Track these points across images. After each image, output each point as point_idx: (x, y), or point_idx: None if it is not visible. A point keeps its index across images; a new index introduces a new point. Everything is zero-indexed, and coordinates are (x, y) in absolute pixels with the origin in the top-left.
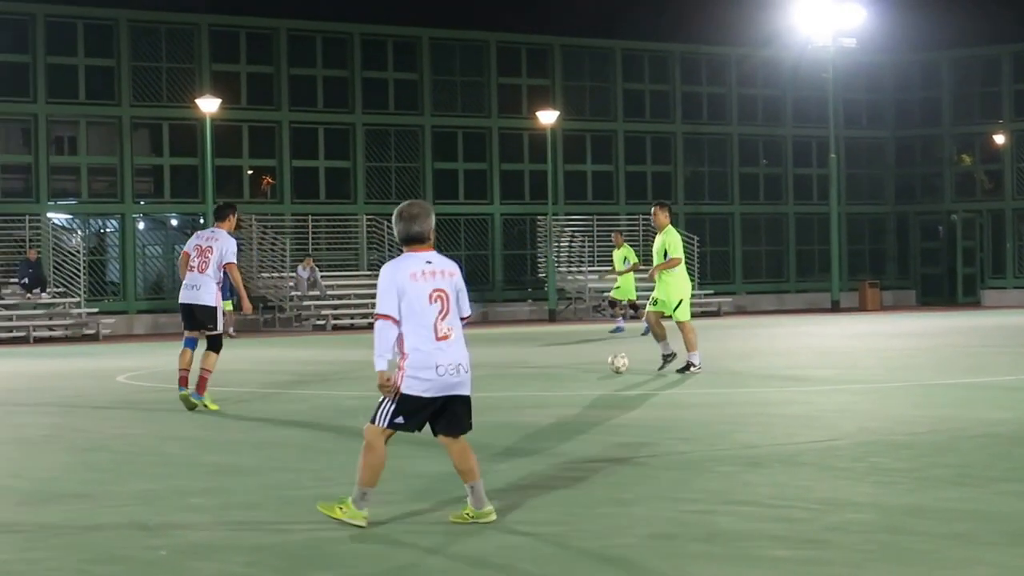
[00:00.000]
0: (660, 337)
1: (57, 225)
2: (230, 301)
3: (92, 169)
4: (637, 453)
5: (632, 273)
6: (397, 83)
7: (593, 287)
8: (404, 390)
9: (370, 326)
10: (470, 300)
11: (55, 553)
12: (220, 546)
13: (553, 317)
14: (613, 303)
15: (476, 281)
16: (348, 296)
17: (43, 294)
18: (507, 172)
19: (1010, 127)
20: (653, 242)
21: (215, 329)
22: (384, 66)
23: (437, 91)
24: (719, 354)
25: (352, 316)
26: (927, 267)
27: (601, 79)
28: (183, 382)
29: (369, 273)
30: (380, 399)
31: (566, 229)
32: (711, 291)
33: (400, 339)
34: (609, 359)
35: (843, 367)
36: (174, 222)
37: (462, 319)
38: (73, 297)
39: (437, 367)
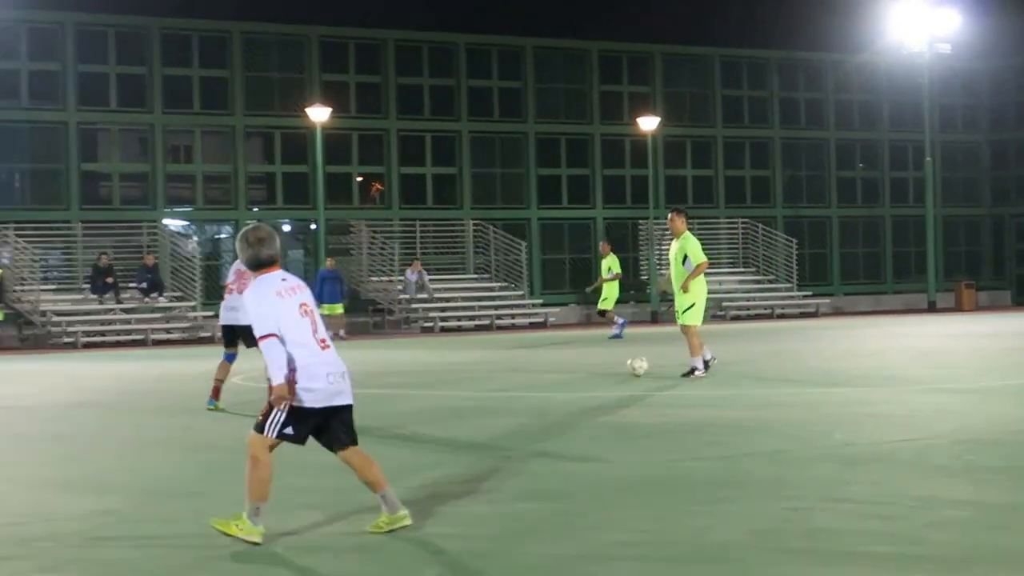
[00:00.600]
0: (695, 351)
1: (173, 231)
2: (341, 304)
3: (207, 177)
4: (735, 452)
5: (616, 282)
6: (501, 91)
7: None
8: (296, 403)
9: (477, 328)
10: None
11: (173, 550)
12: (332, 544)
13: (655, 319)
14: (602, 313)
15: (579, 283)
16: (455, 299)
17: (160, 298)
18: (609, 177)
19: None
20: (677, 247)
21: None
22: (489, 75)
23: (540, 99)
24: (815, 354)
25: (459, 318)
26: (1023, 268)
27: (700, 86)
28: (215, 393)
29: (475, 276)
30: (271, 412)
31: (667, 233)
32: (809, 292)
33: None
34: (628, 362)
35: (939, 367)
36: (286, 228)
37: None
38: (189, 301)
39: (327, 375)
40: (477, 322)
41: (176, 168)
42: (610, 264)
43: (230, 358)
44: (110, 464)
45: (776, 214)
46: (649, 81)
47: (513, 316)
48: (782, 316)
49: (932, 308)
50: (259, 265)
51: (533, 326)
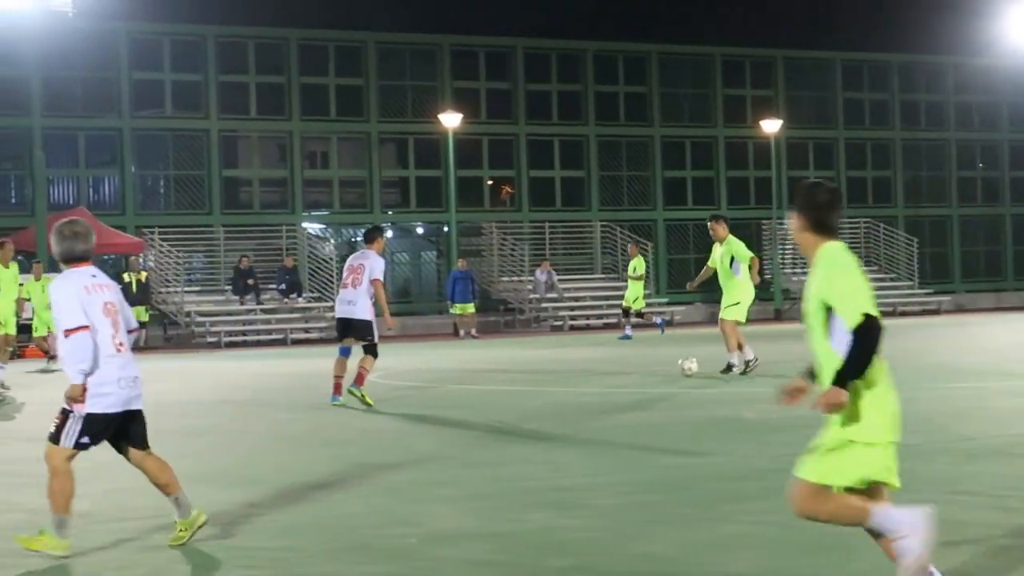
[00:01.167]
0: (740, 346)
1: (311, 234)
2: (472, 304)
3: (343, 181)
4: None
5: (642, 282)
6: (627, 96)
7: None
8: (90, 409)
9: (605, 326)
10: None
11: (311, 541)
12: (464, 534)
13: (779, 316)
14: (628, 312)
15: (704, 284)
16: (584, 298)
17: (299, 299)
18: (733, 179)
19: None
20: (746, 250)
21: (372, 340)
22: (615, 80)
23: (665, 103)
24: (936, 351)
25: (588, 317)
26: None
27: (822, 89)
28: (337, 390)
29: (603, 276)
30: (66, 420)
31: (790, 232)
32: (930, 290)
33: None
34: (680, 361)
35: None
36: (420, 230)
37: (130, 331)
38: (327, 301)
39: (118, 380)
40: (605, 320)
41: (313, 173)
42: (635, 265)
43: (345, 352)
44: (249, 458)
45: (897, 214)
46: (772, 85)
47: (640, 314)
48: (904, 314)
49: None
50: (72, 259)
51: (658, 324)
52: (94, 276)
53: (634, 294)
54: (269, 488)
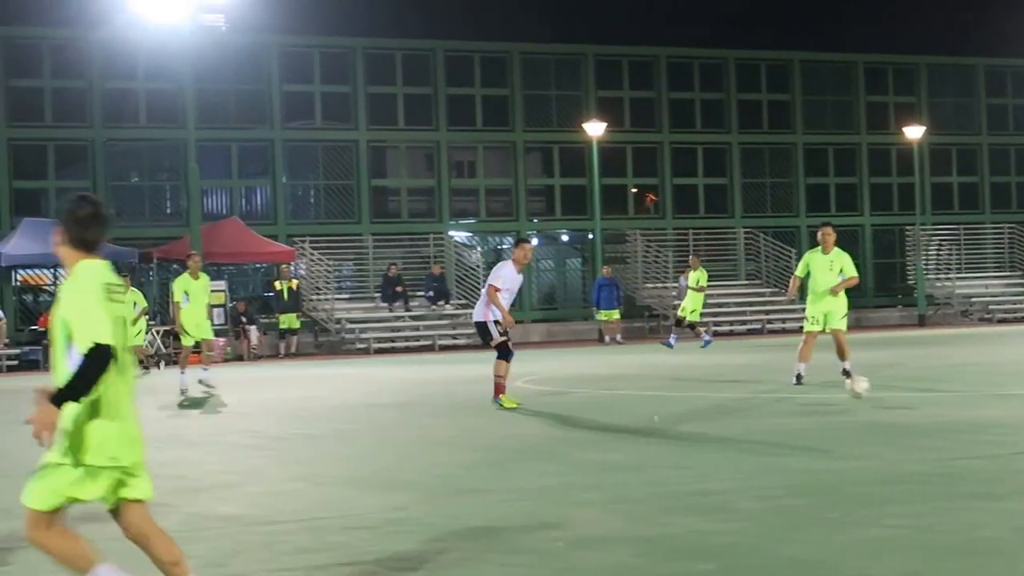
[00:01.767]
0: (805, 358)
1: (458, 242)
2: (617, 310)
3: (489, 190)
4: (1005, 451)
5: (702, 294)
6: (770, 104)
7: (961, 293)
8: None
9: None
10: None
11: (459, 543)
12: (610, 537)
13: (922, 322)
14: (681, 322)
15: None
16: (727, 304)
17: (447, 306)
18: (876, 185)
19: None
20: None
21: (487, 342)
22: (758, 88)
23: (808, 110)
24: None
25: (731, 323)
26: None
27: (965, 95)
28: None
29: (746, 282)
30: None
31: (933, 238)
32: None
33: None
34: (847, 383)
35: None
36: (565, 238)
37: None
38: (473, 308)
39: None
40: (749, 326)
41: (460, 182)
42: (699, 276)
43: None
44: (398, 462)
45: None
46: (915, 91)
47: (783, 320)
48: None
49: None
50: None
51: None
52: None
53: (692, 306)
54: (419, 491)
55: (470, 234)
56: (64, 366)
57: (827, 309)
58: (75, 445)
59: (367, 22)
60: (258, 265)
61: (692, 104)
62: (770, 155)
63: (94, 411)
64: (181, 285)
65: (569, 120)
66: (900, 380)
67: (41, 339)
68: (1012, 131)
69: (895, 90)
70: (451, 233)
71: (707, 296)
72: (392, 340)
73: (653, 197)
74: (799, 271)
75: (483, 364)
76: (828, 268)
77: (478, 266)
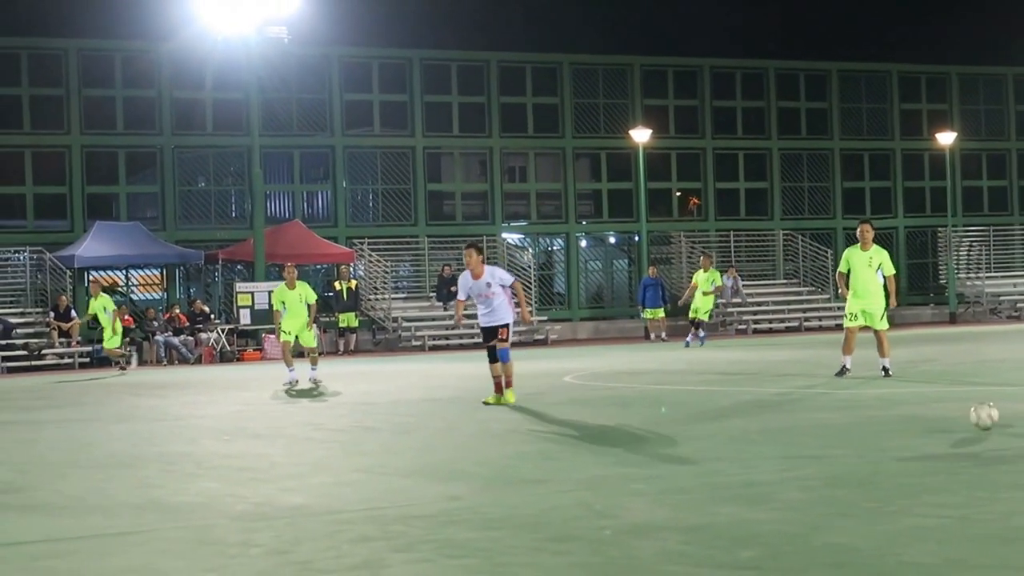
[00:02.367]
0: (849, 351)
1: (510, 244)
2: (662, 308)
3: (540, 194)
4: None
5: (713, 296)
6: (808, 111)
7: (990, 291)
8: None
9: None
10: None
11: (514, 532)
12: (658, 526)
13: (953, 319)
14: (693, 322)
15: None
16: (766, 303)
17: None
18: (909, 189)
19: None
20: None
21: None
22: (797, 96)
23: (844, 117)
24: None
25: (770, 321)
26: None
27: (995, 102)
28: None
29: (784, 282)
30: None
31: (964, 239)
32: None
33: None
34: (972, 411)
35: None
36: (612, 240)
37: None
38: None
39: None
40: (787, 324)
41: (512, 187)
42: (712, 277)
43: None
44: (456, 454)
45: None
46: (946, 99)
47: (820, 318)
48: None
49: None
50: None
51: (838, 328)
52: None
53: (705, 307)
54: (475, 482)
55: (522, 236)
56: None
57: (865, 307)
58: None
59: (424, 34)
60: (319, 266)
61: (734, 112)
62: (808, 160)
63: None
64: (278, 296)
65: (616, 127)
66: (934, 375)
67: None
68: None
69: (928, 98)
70: (504, 235)
71: (747, 295)
72: (447, 338)
73: (696, 200)
74: (842, 267)
75: (533, 360)
76: (867, 264)
77: (530, 267)
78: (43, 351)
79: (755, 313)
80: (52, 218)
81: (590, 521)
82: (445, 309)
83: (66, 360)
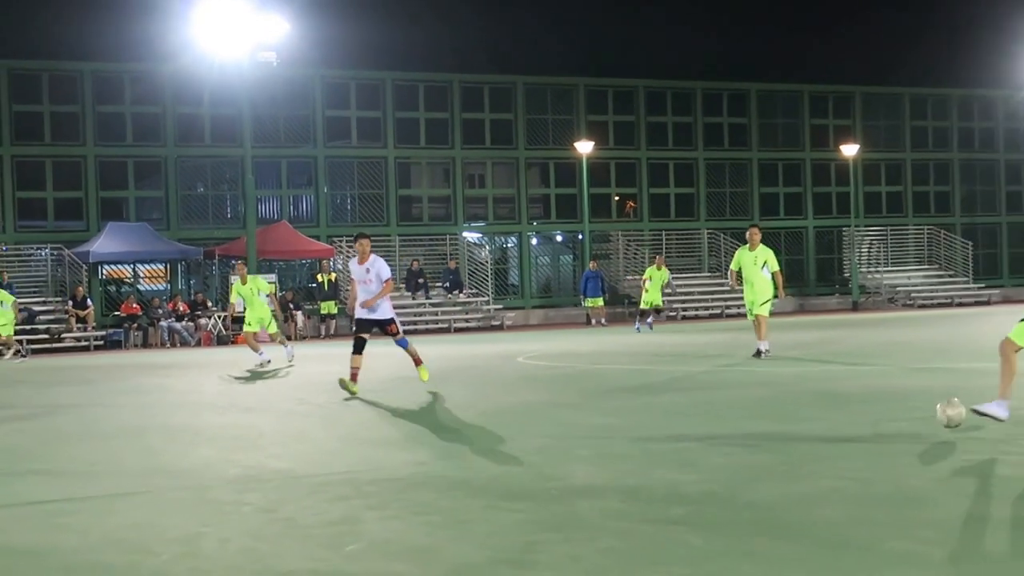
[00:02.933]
0: (763, 336)
1: (470, 242)
2: (602, 298)
3: (496, 199)
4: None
5: (660, 285)
6: (730, 126)
7: (888, 283)
8: None
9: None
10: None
11: (471, 492)
12: (599, 487)
13: (856, 307)
14: (643, 312)
15: (794, 280)
16: (693, 293)
17: (460, 294)
18: (817, 194)
19: None
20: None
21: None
22: (720, 112)
23: (762, 132)
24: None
25: (696, 308)
26: None
27: (893, 119)
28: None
29: (709, 274)
30: None
31: (865, 238)
32: (982, 285)
33: None
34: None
35: None
36: (558, 238)
37: None
38: (483, 296)
39: None
40: (711, 311)
41: (472, 192)
42: (663, 277)
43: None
44: (422, 425)
45: (955, 222)
46: (850, 116)
47: (739, 306)
48: (960, 304)
49: None
50: None
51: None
52: None
53: (655, 299)
54: (437, 450)
55: (480, 235)
56: None
57: (753, 297)
58: None
59: (395, 58)
60: (303, 261)
61: (665, 126)
62: (730, 169)
63: None
64: (235, 290)
65: (563, 140)
66: (839, 355)
67: (123, 323)
68: (931, 149)
69: (834, 115)
70: (464, 234)
71: (676, 286)
72: (415, 323)
73: (632, 204)
74: (733, 265)
75: (490, 343)
76: (754, 263)
77: (487, 262)
78: (62, 335)
79: (683, 302)
80: (70, 219)
81: (539, 483)
82: (414, 298)
83: (82, 343)
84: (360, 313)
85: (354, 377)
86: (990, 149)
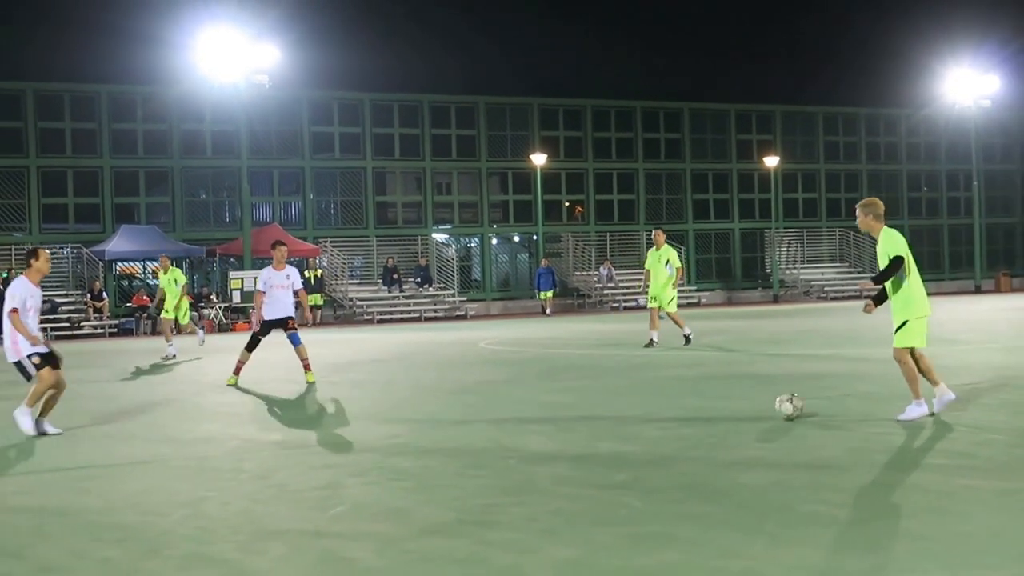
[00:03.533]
0: (655, 327)
1: (439, 242)
2: (552, 291)
3: (461, 204)
4: (837, 393)
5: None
6: (667, 140)
7: (804, 278)
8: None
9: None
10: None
11: (441, 461)
12: (551, 456)
13: (776, 299)
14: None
15: (723, 275)
16: (634, 287)
17: (430, 288)
18: (743, 200)
19: None
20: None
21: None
22: (658, 128)
23: (694, 145)
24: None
25: (637, 300)
26: None
27: (808, 134)
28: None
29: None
30: None
31: (784, 238)
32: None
33: None
34: (778, 406)
35: (983, 332)
36: (516, 238)
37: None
38: (449, 290)
39: None
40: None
41: (440, 198)
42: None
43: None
44: (397, 403)
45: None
46: (771, 131)
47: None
48: (867, 297)
49: (978, 291)
50: None
51: (689, 305)
52: None
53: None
54: (411, 424)
55: (447, 236)
56: None
57: (656, 293)
58: None
59: (373, 80)
60: (292, 259)
61: (609, 141)
62: (666, 178)
63: None
64: (160, 279)
65: (520, 153)
66: (761, 342)
67: (134, 313)
68: (842, 160)
69: (757, 130)
70: (433, 235)
71: (619, 281)
72: (390, 313)
73: (580, 209)
74: (646, 265)
75: (455, 331)
76: (658, 261)
77: (453, 259)
78: (81, 324)
79: (625, 295)
80: (88, 222)
81: (498, 453)
82: (389, 292)
83: (98, 331)
84: (269, 313)
85: (237, 371)
86: (894, 161)
